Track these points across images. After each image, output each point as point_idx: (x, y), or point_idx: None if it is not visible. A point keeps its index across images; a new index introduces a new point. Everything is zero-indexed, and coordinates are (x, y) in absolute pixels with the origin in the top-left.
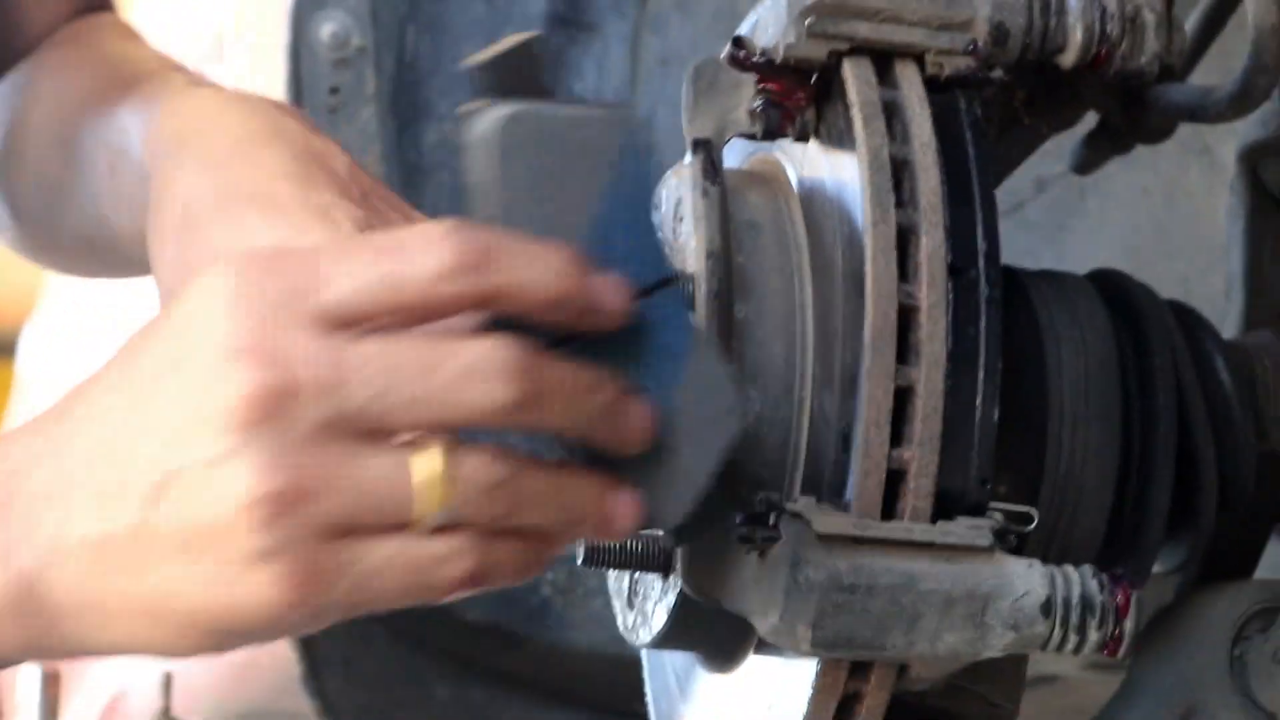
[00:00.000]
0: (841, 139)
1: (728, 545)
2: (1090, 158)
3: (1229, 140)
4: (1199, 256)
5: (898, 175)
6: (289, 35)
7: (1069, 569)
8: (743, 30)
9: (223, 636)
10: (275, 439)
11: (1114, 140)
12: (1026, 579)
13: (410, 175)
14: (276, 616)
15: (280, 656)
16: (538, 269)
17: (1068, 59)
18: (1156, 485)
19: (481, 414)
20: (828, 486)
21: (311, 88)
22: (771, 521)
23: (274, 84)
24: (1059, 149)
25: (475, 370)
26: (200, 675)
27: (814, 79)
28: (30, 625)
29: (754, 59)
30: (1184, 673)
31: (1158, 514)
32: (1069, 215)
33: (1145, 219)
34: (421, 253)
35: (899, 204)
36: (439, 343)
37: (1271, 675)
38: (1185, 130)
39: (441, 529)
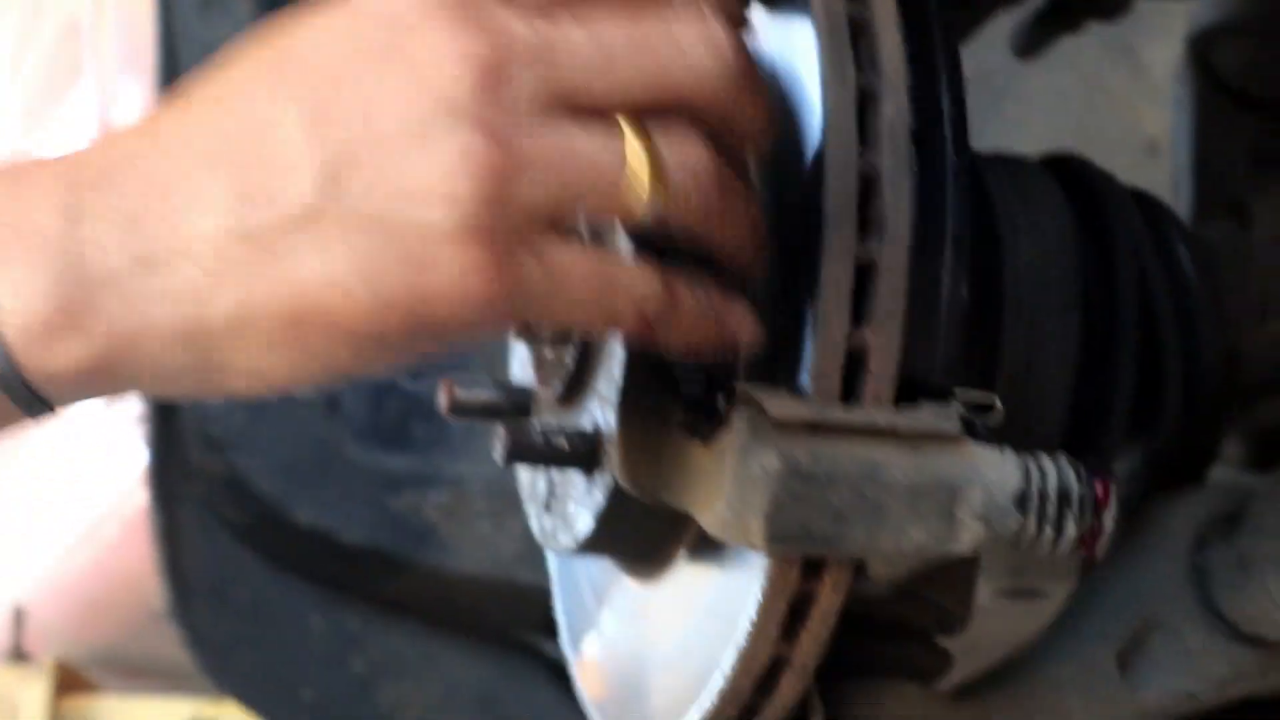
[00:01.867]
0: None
1: (668, 434)
2: (1037, 37)
3: (1154, 41)
4: (1122, 160)
5: (854, 36)
6: None
7: (1044, 458)
8: None
9: (401, 334)
10: (489, 109)
11: (1065, 17)
12: (999, 469)
13: None
14: (468, 306)
15: (138, 592)
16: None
17: None
18: (1120, 380)
19: (696, 87)
20: (782, 371)
21: (186, 44)
22: (719, 406)
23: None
24: (972, 48)
25: (683, 35)
26: (53, 612)
27: None
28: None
29: None
30: (1140, 584)
31: (1121, 410)
32: (984, 120)
33: (1065, 122)
34: None
35: (857, 66)
36: (639, 17)
37: (1235, 584)
38: (1107, 30)
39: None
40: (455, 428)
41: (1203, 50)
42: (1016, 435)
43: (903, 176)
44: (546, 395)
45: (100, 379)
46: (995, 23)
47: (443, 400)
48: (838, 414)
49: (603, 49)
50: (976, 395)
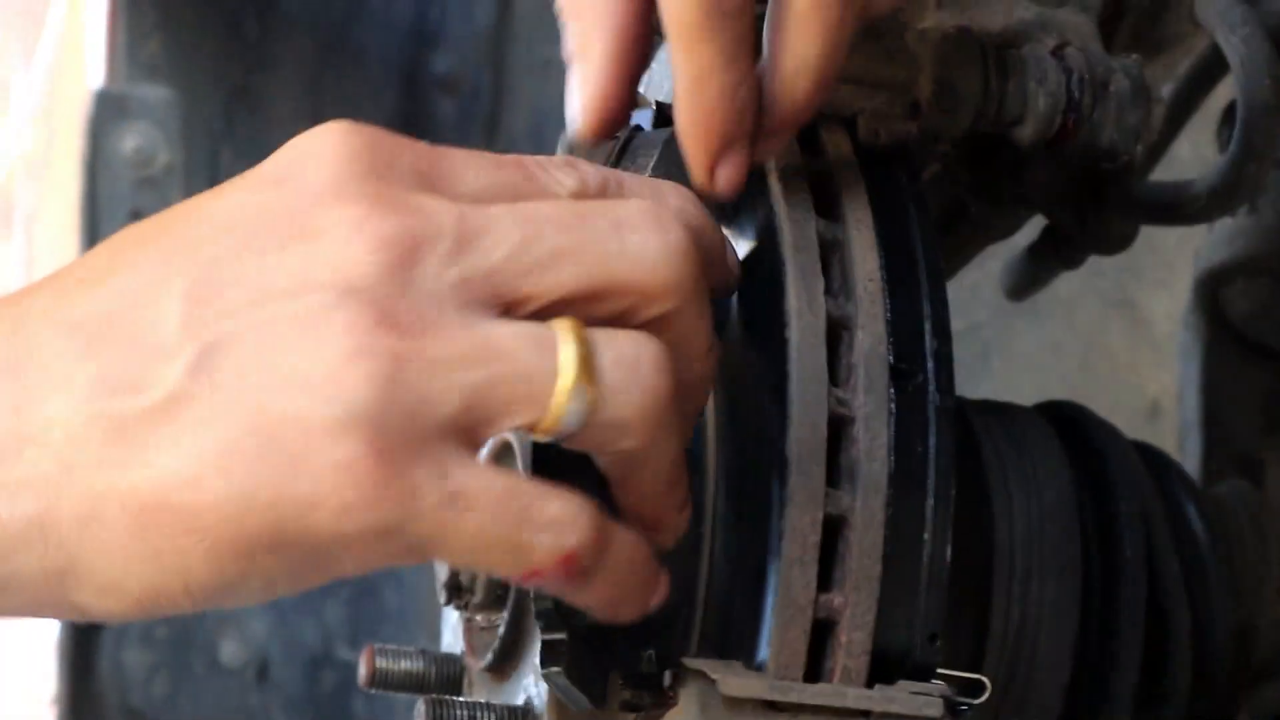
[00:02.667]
0: (760, 215)
1: (608, 711)
2: (1030, 275)
3: (1155, 292)
4: (1121, 422)
5: (826, 258)
6: (85, 149)
7: None
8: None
9: (264, 542)
10: (395, 297)
11: (1062, 251)
12: None
13: None
14: (344, 517)
15: None
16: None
17: (1027, 131)
18: (1123, 655)
19: (638, 270)
20: (737, 640)
21: (110, 210)
22: (665, 683)
23: (66, 208)
24: (958, 299)
25: (625, 221)
26: None
27: None
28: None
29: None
30: None
31: (1124, 690)
32: (969, 376)
33: (1057, 381)
34: (543, 170)
35: (829, 292)
36: (578, 203)
37: None
38: (1105, 281)
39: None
40: (400, 701)
41: (1211, 293)
42: (1007, 714)
43: (879, 418)
44: (477, 666)
45: None
46: (984, 270)
47: (362, 670)
48: (801, 692)
49: (528, 225)
50: (962, 673)
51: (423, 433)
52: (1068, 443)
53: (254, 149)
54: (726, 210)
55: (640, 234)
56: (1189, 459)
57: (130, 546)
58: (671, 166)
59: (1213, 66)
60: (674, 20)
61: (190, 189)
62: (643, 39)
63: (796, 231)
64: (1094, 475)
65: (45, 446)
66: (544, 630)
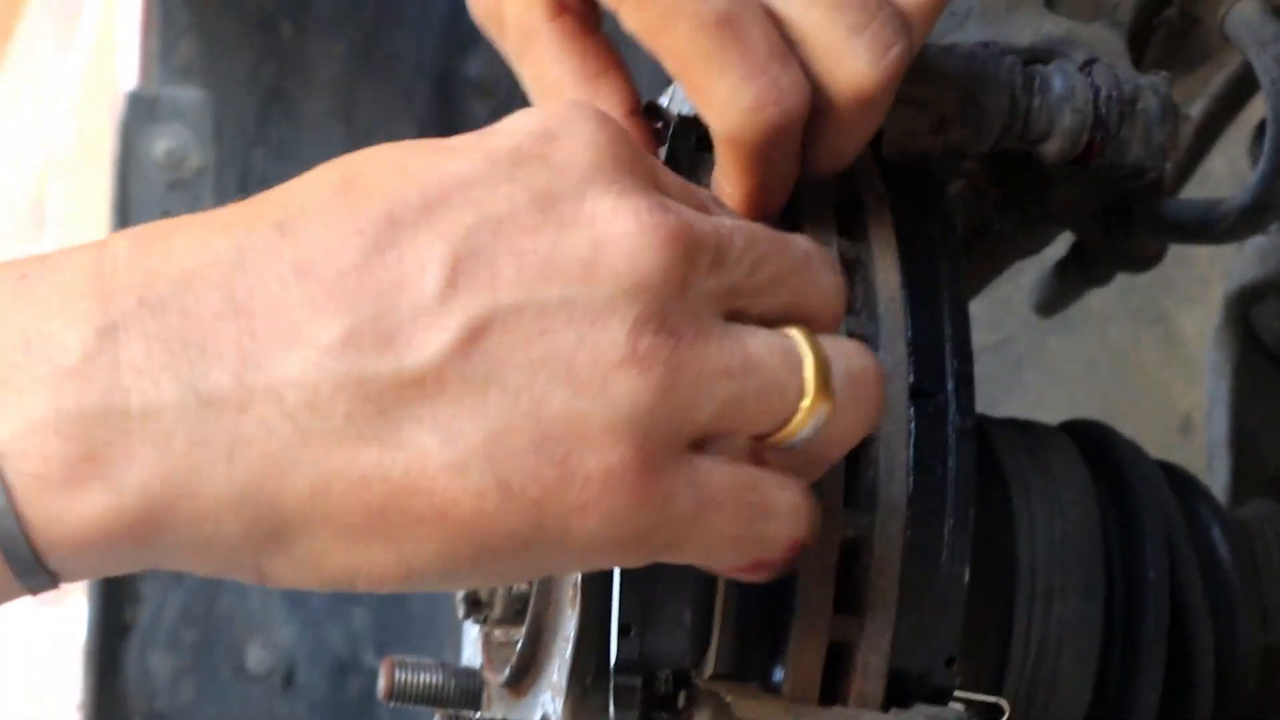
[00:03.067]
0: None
1: None
2: (1059, 291)
3: (1187, 308)
4: (1153, 438)
5: (849, 276)
6: (117, 151)
7: None
8: (663, 99)
9: (517, 543)
10: (675, 301)
11: (1090, 268)
12: None
13: None
14: (605, 523)
15: None
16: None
17: (1053, 148)
18: (1145, 678)
19: (819, 300)
20: (753, 661)
21: (141, 212)
22: (680, 704)
23: (98, 210)
24: (991, 313)
25: (811, 256)
26: None
27: None
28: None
29: (668, 134)
30: None
31: (1145, 714)
32: (1003, 390)
33: (1090, 395)
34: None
35: (851, 311)
36: (772, 230)
37: None
38: (1137, 296)
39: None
40: (423, 714)
41: (1243, 310)
42: None
43: (898, 439)
44: (496, 681)
45: (125, 545)
46: (1017, 284)
47: (381, 683)
48: (816, 715)
49: (765, 258)
50: (981, 696)
51: (682, 440)
52: (1092, 462)
53: (287, 151)
54: None
55: (823, 270)
56: (1218, 478)
57: (362, 527)
58: None
59: (1245, 83)
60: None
61: (222, 191)
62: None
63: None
64: (1118, 495)
65: (277, 407)
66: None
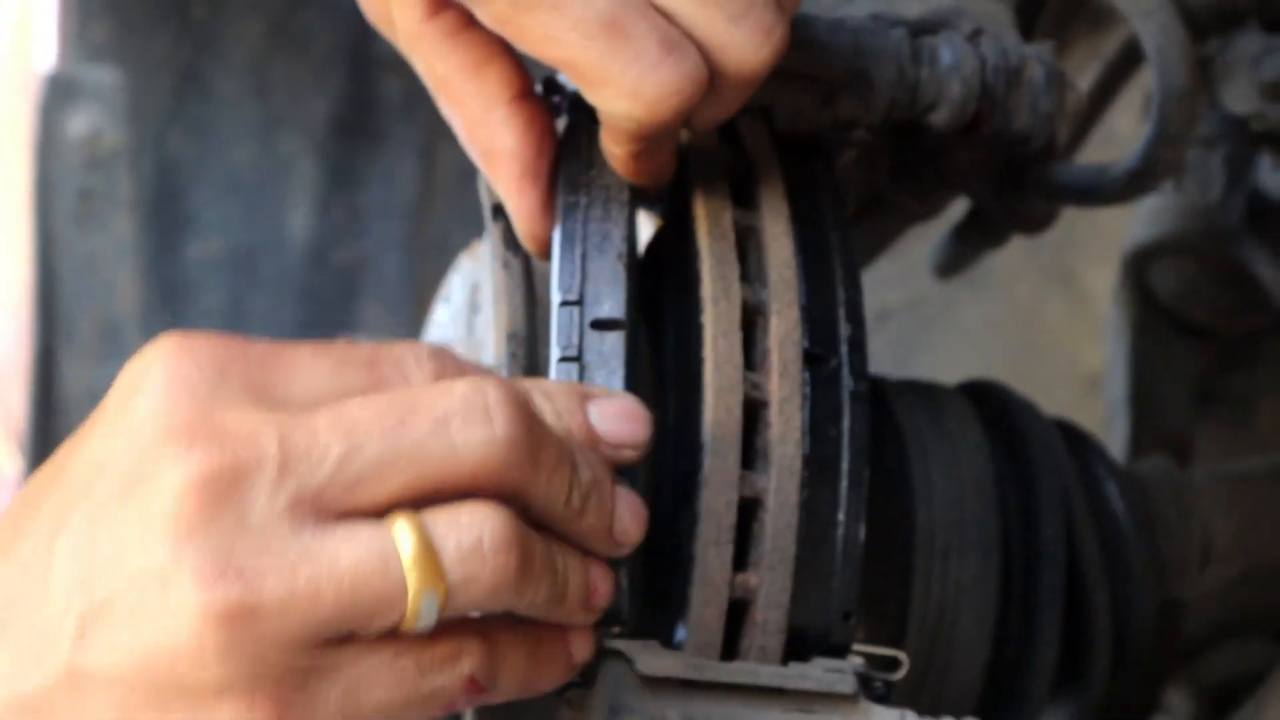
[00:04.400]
0: (677, 202)
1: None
2: (958, 254)
3: (1094, 266)
4: (1061, 395)
5: (743, 245)
6: (35, 132)
7: None
8: (561, 76)
9: None
10: (226, 536)
11: (987, 232)
12: None
13: (171, 294)
14: None
15: None
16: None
17: (941, 117)
18: (1041, 635)
19: (468, 463)
20: (658, 621)
21: (59, 190)
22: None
23: (16, 191)
24: (902, 275)
25: (449, 416)
26: None
27: None
28: None
29: (566, 107)
30: None
31: (1042, 669)
32: (912, 350)
33: (999, 353)
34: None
35: (744, 278)
36: (403, 393)
37: None
38: (1046, 256)
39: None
40: None
41: (1139, 271)
42: (929, 692)
43: (793, 402)
44: None
45: None
46: (924, 245)
47: None
48: (715, 669)
49: (351, 434)
50: (878, 649)
51: (300, 660)
52: (989, 422)
53: (202, 131)
54: (646, 196)
55: (465, 429)
56: (1117, 435)
57: None
58: None
59: (1136, 50)
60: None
61: (138, 170)
62: (549, 160)
63: (713, 220)
64: (1015, 455)
65: None
66: None
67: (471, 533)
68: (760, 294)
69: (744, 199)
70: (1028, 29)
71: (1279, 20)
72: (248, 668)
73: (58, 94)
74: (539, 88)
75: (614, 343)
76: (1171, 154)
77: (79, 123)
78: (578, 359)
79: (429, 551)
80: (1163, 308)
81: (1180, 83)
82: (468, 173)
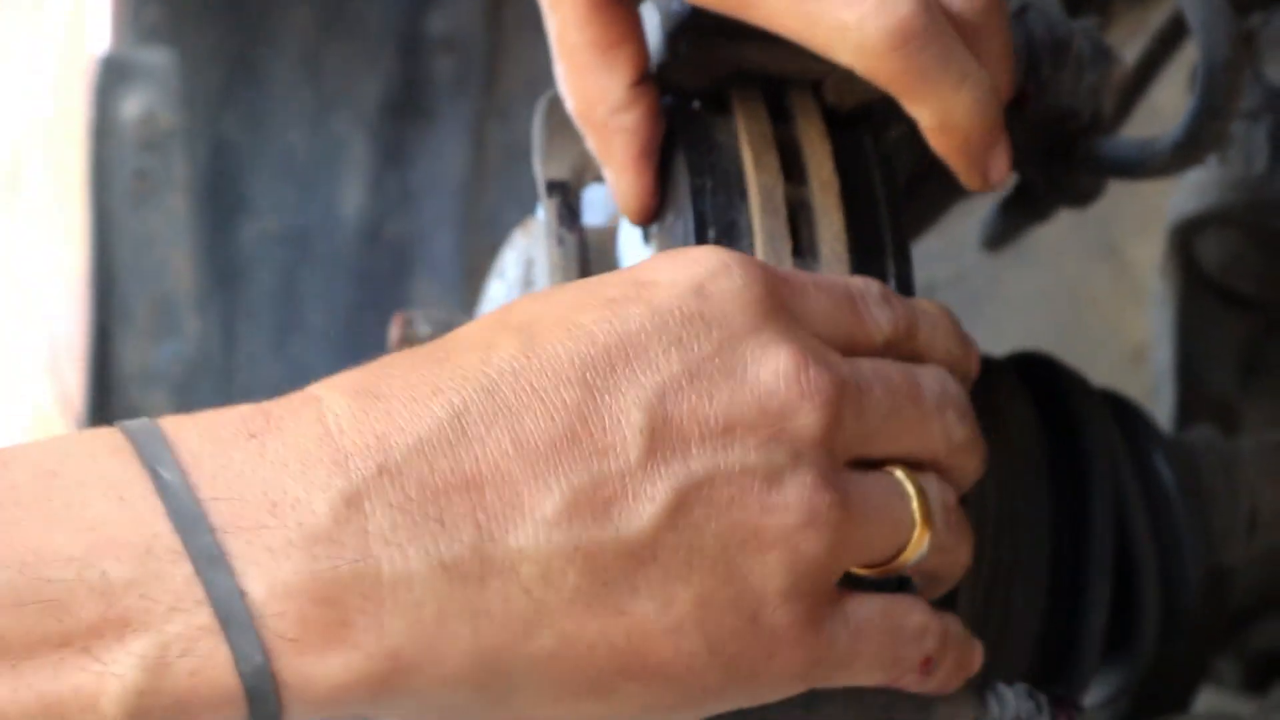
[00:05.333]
0: (729, 180)
1: None
2: (1005, 228)
3: (1138, 240)
4: (1106, 365)
5: (794, 220)
6: (90, 113)
7: (1002, 688)
8: None
9: (713, 693)
10: (829, 458)
11: (1033, 206)
12: (954, 702)
13: (225, 274)
14: (782, 674)
15: None
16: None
17: None
18: (1092, 603)
19: (946, 448)
20: None
21: (115, 172)
22: None
23: (73, 172)
24: (948, 250)
25: (945, 405)
26: None
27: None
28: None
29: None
30: None
31: (1093, 635)
32: (962, 322)
33: (1046, 326)
34: (864, 284)
35: (796, 253)
36: (906, 365)
37: None
38: (1090, 228)
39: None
40: None
41: (1185, 242)
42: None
43: None
44: None
45: (361, 700)
46: (975, 218)
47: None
48: None
49: (896, 411)
50: None
51: (835, 585)
52: (1039, 395)
53: (255, 113)
54: (700, 165)
55: (955, 420)
56: (1164, 406)
57: (583, 688)
58: None
59: (1181, 24)
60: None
61: (193, 151)
62: (659, 142)
63: (765, 195)
64: (1064, 427)
65: (514, 580)
66: None
67: (950, 496)
68: (813, 267)
69: (795, 173)
70: (1074, 4)
71: None
72: (816, 577)
73: (112, 76)
74: None
75: None
76: (1217, 127)
77: (133, 104)
78: None
79: (926, 505)
80: (1208, 279)
81: (1224, 55)
82: (516, 151)
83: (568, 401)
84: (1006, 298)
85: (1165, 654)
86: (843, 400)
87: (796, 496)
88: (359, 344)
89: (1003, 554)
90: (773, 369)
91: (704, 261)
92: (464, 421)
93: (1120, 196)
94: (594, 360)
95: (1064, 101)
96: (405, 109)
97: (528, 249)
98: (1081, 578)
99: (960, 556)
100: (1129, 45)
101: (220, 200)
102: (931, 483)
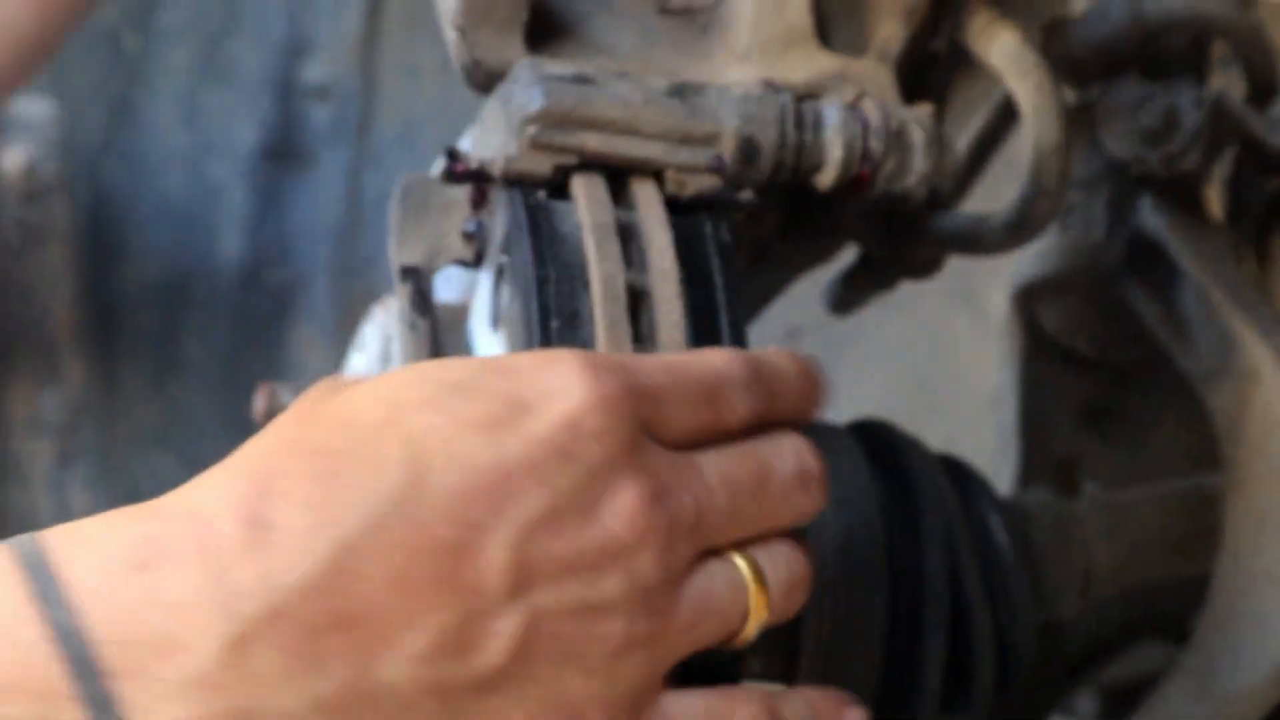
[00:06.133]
0: (572, 271)
1: None
2: (850, 296)
3: (995, 287)
4: (966, 410)
5: (634, 307)
6: None
7: None
8: (462, 143)
9: None
10: (660, 579)
11: (876, 276)
12: None
13: (105, 318)
14: None
15: None
16: (790, 375)
17: (826, 178)
18: (927, 661)
19: (800, 519)
20: None
21: None
22: None
23: None
24: (810, 295)
25: (792, 488)
26: None
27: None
28: None
29: (469, 173)
30: None
31: (929, 691)
32: (827, 368)
33: (907, 371)
34: (725, 368)
35: (636, 339)
36: (756, 449)
37: None
38: (949, 276)
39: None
40: None
41: (1027, 306)
42: None
43: None
44: None
45: None
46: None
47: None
48: None
49: (738, 511)
50: (771, 686)
51: (660, 688)
52: (877, 461)
53: (135, 161)
54: (543, 256)
55: (804, 496)
56: (1009, 463)
57: None
58: None
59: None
60: None
61: (74, 201)
62: None
63: (606, 284)
64: (900, 492)
65: (381, 711)
66: None
67: (793, 569)
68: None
69: (636, 261)
70: (914, 85)
71: (1156, 69)
72: (637, 696)
73: None
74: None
75: None
76: (1046, 206)
77: (14, 156)
78: None
79: (760, 580)
80: (1050, 340)
81: (1053, 140)
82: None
83: (447, 541)
84: (869, 342)
85: (1000, 706)
86: (677, 533)
87: (623, 626)
88: (237, 383)
89: (840, 615)
90: (618, 510)
91: (576, 392)
92: (349, 559)
93: None
94: (475, 497)
95: (899, 186)
96: (282, 155)
97: (386, 324)
98: (917, 636)
99: (802, 593)
100: (969, 118)
101: (101, 247)
102: (773, 553)
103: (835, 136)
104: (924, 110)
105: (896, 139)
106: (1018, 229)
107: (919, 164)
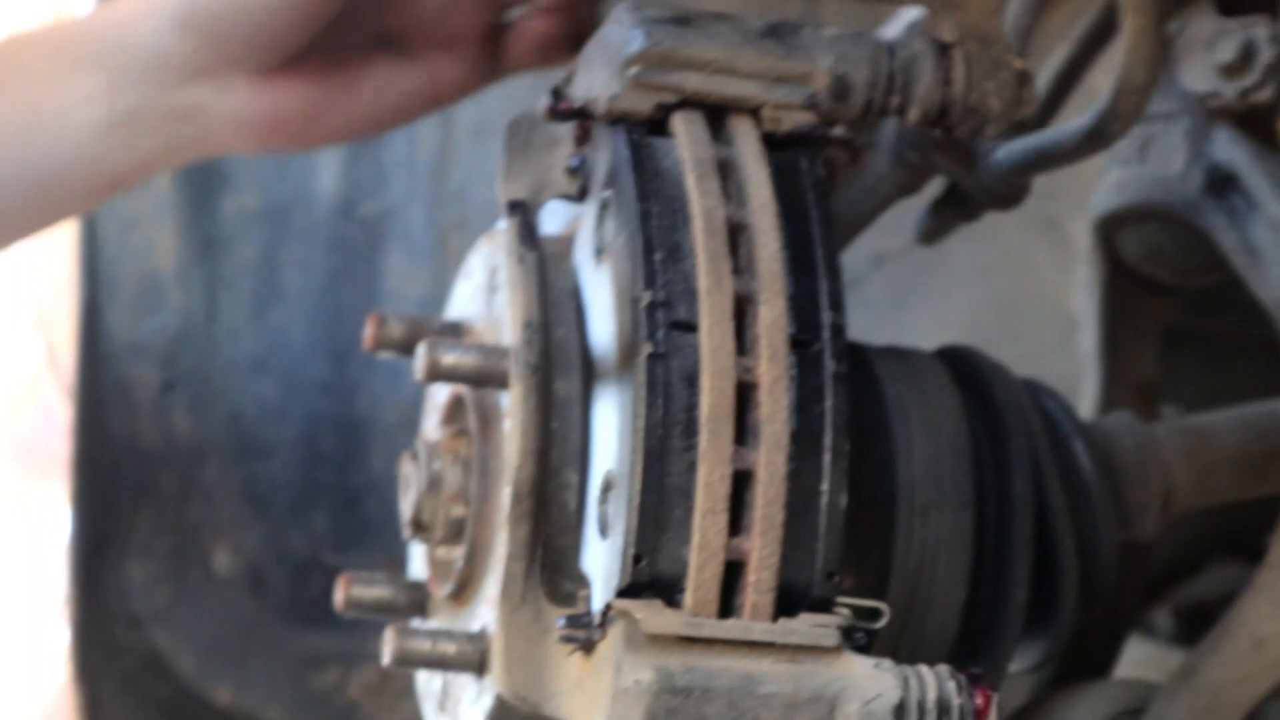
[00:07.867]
0: (674, 205)
1: (549, 646)
2: (935, 226)
3: (1076, 215)
4: (1046, 335)
5: (734, 240)
6: None
7: (923, 669)
8: (563, 80)
9: None
10: None
11: (961, 207)
12: (877, 681)
13: (207, 247)
14: None
15: None
16: None
17: (913, 115)
18: (1013, 579)
19: None
20: (662, 580)
21: None
22: (597, 620)
23: None
24: (898, 222)
25: None
26: None
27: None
28: None
29: (573, 111)
30: None
31: (1014, 610)
32: (908, 293)
33: (988, 297)
34: None
35: (735, 271)
36: None
37: None
38: (1031, 204)
39: None
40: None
41: (1107, 235)
42: (910, 635)
43: (781, 384)
44: (440, 594)
45: None
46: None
47: (338, 597)
48: (712, 626)
49: None
50: (861, 601)
51: None
52: (964, 386)
53: None
54: (646, 190)
55: None
56: (1090, 386)
57: None
58: None
59: (1106, 27)
60: None
61: None
62: None
63: (707, 218)
64: (987, 416)
65: None
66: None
67: None
68: (750, 285)
69: (734, 194)
70: None
71: (1232, 4)
72: None
73: None
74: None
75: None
76: (1118, 126)
77: None
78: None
79: None
80: (1130, 268)
81: (1140, 79)
82: (483, 130)
83: None
84: (952, 269)
85: (1083, 625)
86: None
87: None
88: (336, 313)
89: (928, 535)
90: None
91: None
92: None
93: (1059, 173)
94: None
95: (981, 120)
96: None
97: (492, 256)
98: (1003, 555)
99: None
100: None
101: (202, 178)
102: None
103: (923, 74)
104: (1009, 47)
105: (983, 76)
106: (1091, 139)
107: (1003, 99)
